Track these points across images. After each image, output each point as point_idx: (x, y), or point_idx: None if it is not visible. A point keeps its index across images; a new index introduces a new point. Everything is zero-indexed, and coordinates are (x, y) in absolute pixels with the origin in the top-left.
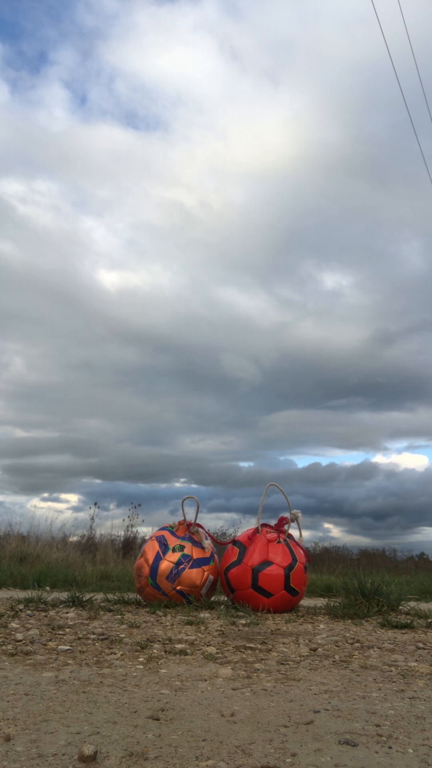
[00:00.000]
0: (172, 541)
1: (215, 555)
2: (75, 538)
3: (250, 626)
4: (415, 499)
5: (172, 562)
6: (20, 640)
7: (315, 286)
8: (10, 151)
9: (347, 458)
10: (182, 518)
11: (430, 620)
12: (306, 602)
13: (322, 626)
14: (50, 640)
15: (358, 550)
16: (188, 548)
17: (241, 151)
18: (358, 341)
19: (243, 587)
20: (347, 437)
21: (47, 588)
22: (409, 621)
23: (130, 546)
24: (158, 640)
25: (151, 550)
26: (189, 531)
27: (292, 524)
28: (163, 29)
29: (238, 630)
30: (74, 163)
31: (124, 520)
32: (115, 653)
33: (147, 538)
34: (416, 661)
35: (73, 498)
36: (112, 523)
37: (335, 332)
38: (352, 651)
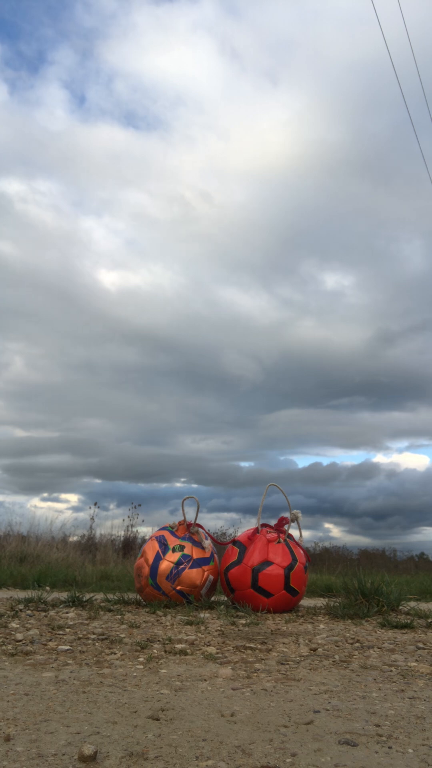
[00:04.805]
0: (172, 541)
1: (215, 555)
2: (75, 538)
3: (250, 626)
4: (415, 499)
5: (172, 562)
6: (20, 640)
7: (316, 285)
8: (10, 151)
9: (348, 458)
10: (182, 518)
11: (430, 620)
12: (306, 602)
13: (322, 626)
14: (50, 640)
15: (358, 550)
16: (188, 548)
17: (241, 151)
18: (359, 341)
19: (243, 587)
20: (348, 437)
21: (47, 588)
22: (409, 621)
23: (130, 546)
24: (158, 640)
25: (151, 550)
26: (189, 531)
27: (292, 524)
28: (162, 29)
29: (238, 630)
30: (74, 163)
31: (124, 520)
32: (115, 653)
33: (147, 538)
34: (416, 661)
35: (73, 498)
36: (112, 523)
37: (336, 332)
38: (352, 651)
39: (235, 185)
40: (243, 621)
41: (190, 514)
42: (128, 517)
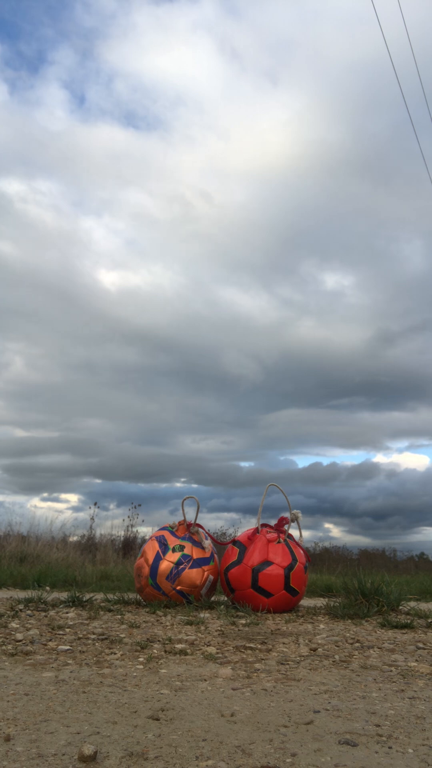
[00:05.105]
0: (172, 541)
1: (215, 555)
2: (75, 538)
3: (250, 626)
4: (415, 499)
5: (172, 562)
6: (20, 640)
7: (316, 286)
8: (10, 151)
9: (348, 458)
10: (182, 518)
11: (430, 620)
12: (306, 602)
13: (322, 626)
14: (50, 640)
15: (358, 550)
16: (188, 548)
17: (241, 151)
18: (359, 341)
19: (243, 587)
20: (348, 437)
21: (47, 588)
22: (409, 621)
23: (130, 546)
24: (158, 640)
25: (151, 550)
26: (189, 531)
27: (292, 524)
28: (162, 29)
29: (238, 630)
30: (74, 163)
31: (124, 520)
32: (115, 653)
33: (147, 538)
34: (416, 661)
35: (73, 498)
36: (112, 523)
37: (336, 332)
38: (352, 651)
39: (235, 185)
40: (243, 621)
41: (190, 514)
42: (128, 517)
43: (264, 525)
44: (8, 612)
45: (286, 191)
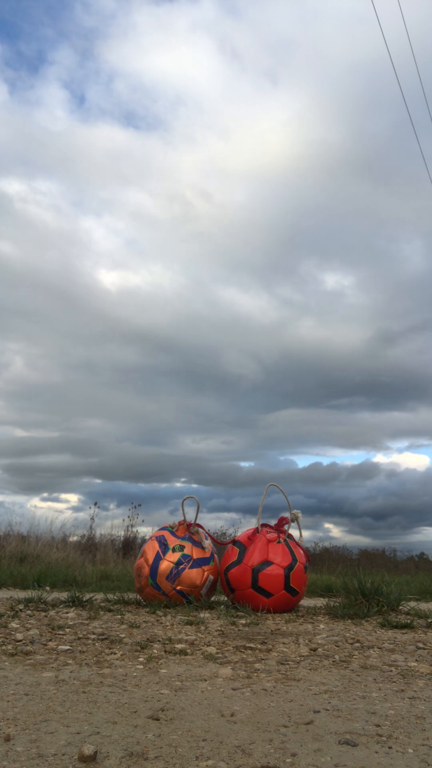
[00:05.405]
0: (172, 541)
1: (215, 555)
2: (75, 538)
3: (250, 626)
4: (415, 498)
5: (172, 562)
6: (20, 640)
7: (316, 286)
8: (10, 151)
9: (348, 458)
10: (182, 518)
11: (430, 620)
12: (306, 602)
13: (322, 626)
14: (50, 640)
15: (358, 550)
16: (188, 548)
17: (241, 151)
18: (359, 341)
19: (243, 587)
20: (348, 437)
21: (47, 588)
22: (409, 621)
23: (130, 546)
24: (158, 640)
25: (151, 550)
26: (189, 531)
27: (292, 524)
28: (162, 29)
29: (238, 630)
30: (74, 163)
31: (124, 520)
32: (115, 653)
33: (147, 538)
34: (416, 661)
35: (73, 498)
36: (112, 523)
37: (337, 332)
38: (352, 651)
39: (235, 185)
40: (243, 621)
41: (190, 514)
42: (128, 517)
43: (264, 525)
44: (8, 612)
45: (286, 191)
